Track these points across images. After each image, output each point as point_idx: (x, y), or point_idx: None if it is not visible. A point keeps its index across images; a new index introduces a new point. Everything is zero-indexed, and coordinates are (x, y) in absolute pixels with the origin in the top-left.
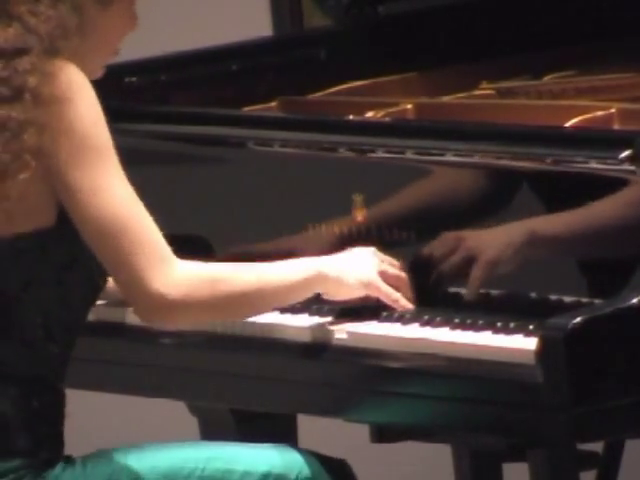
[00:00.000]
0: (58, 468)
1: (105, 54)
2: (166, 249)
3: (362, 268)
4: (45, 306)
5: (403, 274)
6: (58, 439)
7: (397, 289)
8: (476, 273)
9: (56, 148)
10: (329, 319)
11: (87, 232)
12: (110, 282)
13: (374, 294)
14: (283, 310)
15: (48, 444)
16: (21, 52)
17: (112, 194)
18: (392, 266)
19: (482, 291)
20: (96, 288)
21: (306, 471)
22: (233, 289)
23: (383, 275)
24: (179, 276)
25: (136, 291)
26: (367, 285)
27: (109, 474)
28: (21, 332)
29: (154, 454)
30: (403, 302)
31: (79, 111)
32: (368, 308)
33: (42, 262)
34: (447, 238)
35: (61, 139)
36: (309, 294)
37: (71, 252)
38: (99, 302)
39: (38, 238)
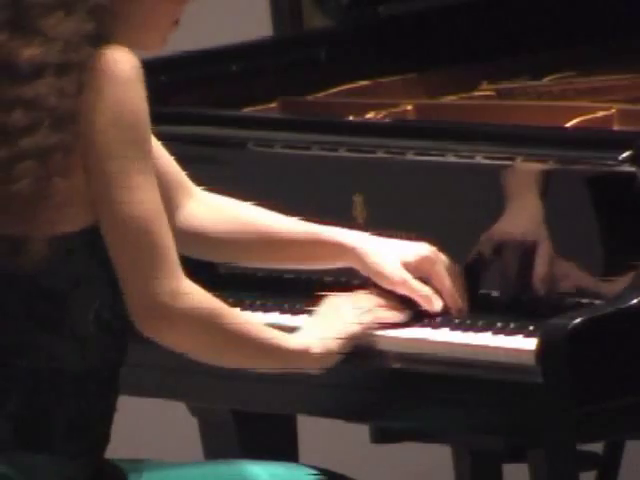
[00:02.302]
0: None
1: (160, 27)
2: (178, 265)
3: (343, 319)
4: (96, 303)
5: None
6: (101, 444)
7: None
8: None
9: (97, 139)
10: None
11: (109, 227)
12: None
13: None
14: (283, 311)
15: (89, 448)
16: (42, 69)
17: (143, 195)
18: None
19: (482, 291)
20: None
21: None
22: (234, 326)
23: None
24: (186, 292)
25: (141, 295)
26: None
27: None
28: (72, 329)
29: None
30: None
31: (124, 102)
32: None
33: (91, 259)
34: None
35: (102, 130)
36: (294, 368)
37: None
38: None
39: (86, 236)
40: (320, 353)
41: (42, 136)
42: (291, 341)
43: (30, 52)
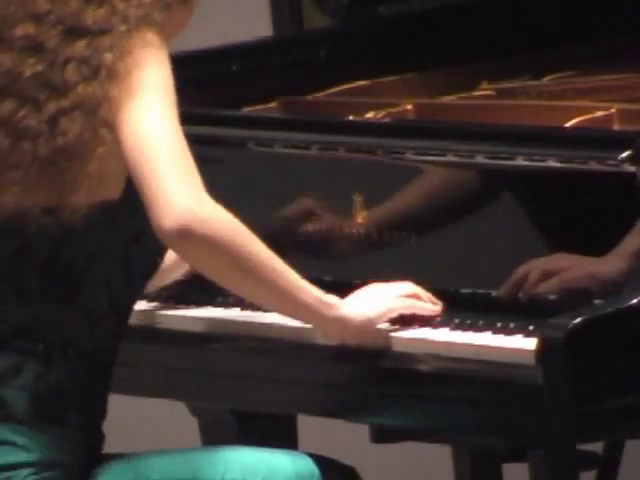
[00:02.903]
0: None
1: (175, 34)
2: (200, 181)
3: (375, 301)
4: (110, 279)
5: (416, 303)
6: (101, 419)
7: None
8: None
9: (122, 112)
10: None
11: (128, 148)
12: None
13: (404, 312)
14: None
15: (95, 424)
16: (104, 32)
17: (161, 121)
18: (407, 299)
19: (482, 291)
20: (155, 265)
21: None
22: (253, 244)
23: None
24: (209, 201)
25: (164, 200)
26: (385, 313)
27: None
28: (85, 305)
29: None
30: (424, 305)
31: (147, 70)
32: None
33: (109, 234)
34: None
35: (126, 100)
36: (318, 320)
37: (137, 226)
38: None
39: (106, 210)
40: (349, 314)
41: (98, 86)
42: (320, 293)
43: (99, 15)
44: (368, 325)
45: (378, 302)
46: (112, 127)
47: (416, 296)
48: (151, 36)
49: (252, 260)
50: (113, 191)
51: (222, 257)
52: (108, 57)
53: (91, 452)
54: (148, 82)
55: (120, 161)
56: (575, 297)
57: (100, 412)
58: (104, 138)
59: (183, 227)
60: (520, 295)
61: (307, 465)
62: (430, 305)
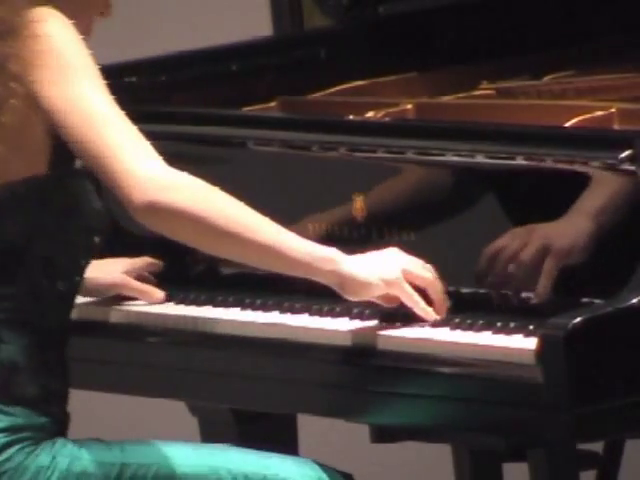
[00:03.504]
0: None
1: (86, 16)
2: (149, 145)
3: (385, 266)
4: (48, 254)
5: (431, 276)
6: (64, 398)
7: (424, 293)
8: (549, 266)
9: (35, 73)
10: (328, 319)
11: (73, 136)
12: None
13: (396, 293)
14: (283, 310)
15: (56, 401)
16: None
17: (93, 101)
18: (424, 269)
19: (482, 291)
20: (93, 244)
21: None
22: (222, 203)
23: (409, 276)
24: (167, 169)
25: (127, 179)
26: (389, 283)
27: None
28: (28, 280)
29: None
30: (422, 306)
31: (53, 35)
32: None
33: (42, 210)
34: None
35: (39, 64)
36: (314, 273)
37: (70, 199)
38: (92, 301)
39: (34, 185)
40: (350, 271)
41: (3, 44)
42: (313, 246)
43: None
44: (367, 287)
45: (386, 268)
46: (25, 84)
47: (431, 284)
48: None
49: (224, 220)
50: (39, 165)
51: (194, 222)
52: (14, 20)
53: (59, 429)
54: (66, 55)
55: (43, 133)
56: (575, 297)
57: (60, 392)
58: (16, 91)
59: (151, 201)
60: (520, 296)
61: (313, 469)
62: (430, 310)
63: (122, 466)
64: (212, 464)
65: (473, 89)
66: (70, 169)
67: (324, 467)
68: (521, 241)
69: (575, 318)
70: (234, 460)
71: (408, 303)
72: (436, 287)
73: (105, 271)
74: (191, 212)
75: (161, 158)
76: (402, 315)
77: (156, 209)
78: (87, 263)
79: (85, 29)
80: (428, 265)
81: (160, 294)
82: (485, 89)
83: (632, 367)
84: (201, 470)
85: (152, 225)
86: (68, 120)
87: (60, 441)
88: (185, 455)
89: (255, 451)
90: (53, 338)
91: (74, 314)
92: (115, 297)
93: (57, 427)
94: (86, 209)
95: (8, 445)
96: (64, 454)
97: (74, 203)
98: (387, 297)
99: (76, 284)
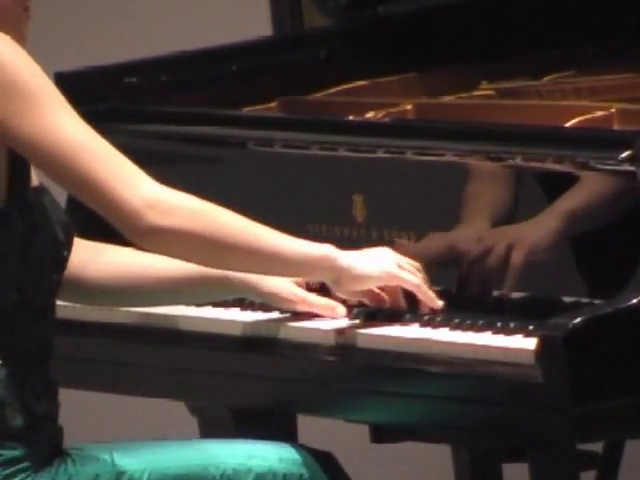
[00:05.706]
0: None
1: (11, 19)
2: (134, 166)
3: (380, 260)
4: (15, 277)
5: (422, 274)
6: (54, 415)
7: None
8: (515, 262)
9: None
10: (329, 319)
11: (52, 173)
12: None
13: (394, 282)
14: (283, 310)
15: (47, 422)
16: None
17: (62, 131)
18: (413, 267)
19: (482, 291)
20: (62, 258)
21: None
22: (219, 218)
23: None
24: (160, 191)
25: (120, 206)
26: (387, 273)
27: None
28: None
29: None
30: (425, 289)
31: (6, 64)
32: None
33: (4, 237)
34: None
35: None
36: (313, 273)
37: (28, 225)
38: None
39: None
40: (348, 264)
41: None
42: (308, 246)
43: None
44: (366, 279)
45: (384, 261)
46: None
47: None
48: None
49: (224, 235)
50: None
51: (195, 241)
52: None
53: (54, 447)
54: (22, 85)
55: (3, 158)
56: (575, 297)
57: (48, 412)
58: None
59: (154, 229)
60: (520, 296)
61: (289, 452)
62: (433, 296)
63: (117, 476)
64: (200, 462)
65: (473, 89)
66: (28, 187)
67: (301, 449)
68: (506, 242)
69: (575, 318)
70: (219, 455)
71: (412, 289)
72: (426, 283)
73: (278, 287)
74: (190, 233)
75: (148, 177)
76: (386, 315)
77: (161, 235)
78: (59, 277)
79: (21, 36)
80: (415, 263)
81: (342, 310)
82: (485, 89)
83: (632, 367)
84: (193, 469)
85: (160, 251)
86: (43, 153)
87: (56, 463)
88: (172, 456)
89: (233, 440)
90: (33, 359)
91: (74, 314)
92: None
93: (52, 446)
94: (51, 224)
95: (8, 478)
96: (61, 475)
97: (34, 222)
98: (375, 297)
99: (51, 300)
